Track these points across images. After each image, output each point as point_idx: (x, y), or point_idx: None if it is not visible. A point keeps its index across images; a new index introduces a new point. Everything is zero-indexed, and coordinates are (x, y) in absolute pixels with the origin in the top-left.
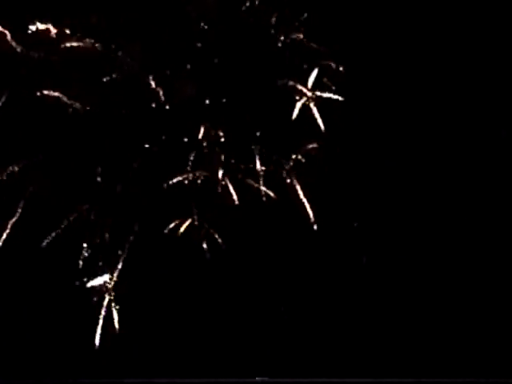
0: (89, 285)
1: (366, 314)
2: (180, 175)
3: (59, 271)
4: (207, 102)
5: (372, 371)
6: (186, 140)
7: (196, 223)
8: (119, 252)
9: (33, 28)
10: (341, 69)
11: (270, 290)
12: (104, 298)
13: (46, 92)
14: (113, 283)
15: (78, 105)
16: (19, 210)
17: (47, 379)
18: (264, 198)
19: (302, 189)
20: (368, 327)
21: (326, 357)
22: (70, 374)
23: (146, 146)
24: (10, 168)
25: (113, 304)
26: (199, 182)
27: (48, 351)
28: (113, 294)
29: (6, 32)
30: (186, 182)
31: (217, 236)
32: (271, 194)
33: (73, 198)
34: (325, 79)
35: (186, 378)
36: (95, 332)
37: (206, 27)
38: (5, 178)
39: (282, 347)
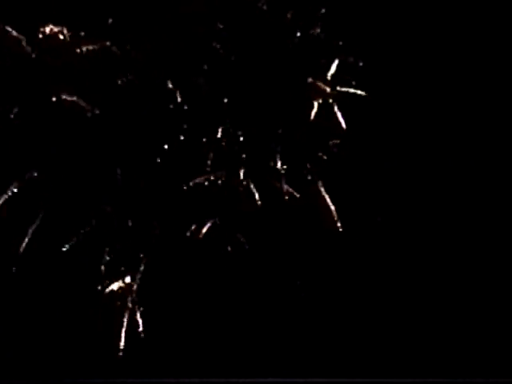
0: (110, 288)
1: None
2: (200, 176)
3: (80, 275)
4: (225, 100)
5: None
6: (204, 140)
7: (218, 225)
8: (140, 255)
9: (46, 30)
10: (360, 64)
11: (294, 291)
12: (126, 302)
13: (63, 96)
14: (136, 286)
15: (94, 108)
16: (40, 215)
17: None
18: (286, 197)
19: (324, 187)
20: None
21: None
22: (90, 376)
23: (165, 147)
24: (30, 173)
25: (136, 307)
26: (220, 182)
27: (69, 354)
28: (135, 296)
29: (22, 37)
30: (207, 183)
31: (240, 237)
32: (294, 192)
33: (93, 201)
34: (345, 75)
35: (204, 378)
36: (117, 336)
37: (221, 26)
38: (24, 181)
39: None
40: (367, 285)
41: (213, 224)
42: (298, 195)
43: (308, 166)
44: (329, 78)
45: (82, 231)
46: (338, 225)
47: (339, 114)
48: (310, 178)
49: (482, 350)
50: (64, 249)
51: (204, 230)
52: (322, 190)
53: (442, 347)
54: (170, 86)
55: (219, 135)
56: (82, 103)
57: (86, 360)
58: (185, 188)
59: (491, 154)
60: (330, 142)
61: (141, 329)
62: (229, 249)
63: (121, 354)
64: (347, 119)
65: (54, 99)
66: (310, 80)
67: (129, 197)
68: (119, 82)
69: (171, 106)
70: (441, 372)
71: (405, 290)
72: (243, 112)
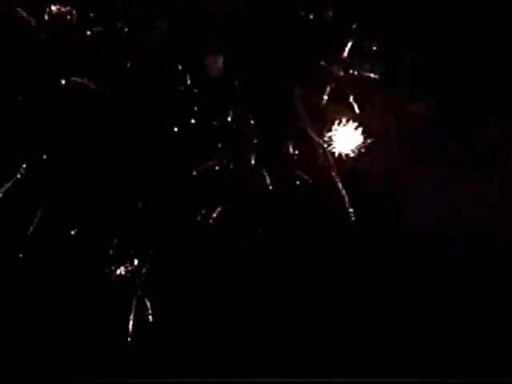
0: (118, 272)
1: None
2: (210, 161)
3: (88, 259)
4: (236, 83)
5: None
6: (215, 124)
7: (228, 210)
8: (148, 239)
9: (53, 10)
10: (374, 48)
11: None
12: (135, 286)
13: (73, 79)
14: (145, 270)
15: (104, 91)
16: (48, 198)
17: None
18: (298, 182)
19: (337, 172)
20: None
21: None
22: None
23: (175, 130)
24: (37, 156)
25: (145, 292)
26: (231, 167)
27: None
28: (144, 280)
29: (32, 19)
30: (217, 167)
31: (250, 223)
32: (306, 177)
33: (101, 185)
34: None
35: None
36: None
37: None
38: (31, 165)
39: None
40: (374, 276)
41: (223, 209)
42: (310, 181)
43: (320, 150)
44: (342, 61)
45: (89, 213)
46: (350, 211)
47: (351, 96)
48: (322, 162)
49: (482, 350)
50: (72, 232)
51: (214, 215)
52: (335, 175)
53: (443, 347)
54: (180, 68)
55: (230, 119)
56: (92, 85)
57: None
58: (195, 173)
59: None
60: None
61: (150, 315)
62: (239, 235)
63: (129, 339)
64: (359, 101)
65: (63, 82)
66: (322, 63)
67: (138, 180)
68: (128, 64)
69: (181, 89)
70: (441, 372)
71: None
72: (254, 95)
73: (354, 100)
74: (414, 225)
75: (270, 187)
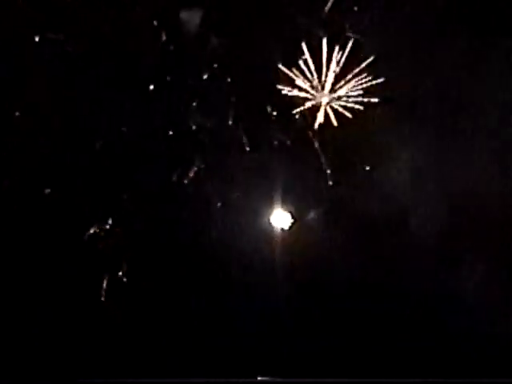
0: (91, 231)
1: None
2: (186, 121)
3: (61, 220)
4: (214, 40)
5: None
6: (190, 83)
7: (203, 170)
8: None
9: None
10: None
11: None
12: (108, 247)
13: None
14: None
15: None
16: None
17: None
18: (276, 142)
19: (317, 133)
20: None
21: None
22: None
23: (151, 88)
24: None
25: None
26: (208, 126)
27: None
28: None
29: None
30: (194, 127)
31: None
32: (286, 139)
33: (74, 142)
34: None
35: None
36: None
37: None
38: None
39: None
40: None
41: (199, 169)
42: (289, 141)
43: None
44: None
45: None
46: (328, 172)
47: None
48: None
49: (481, 350)
50: (46, 191)
51: (191, 174)
52: (312, 136)
53: (442, 347)
54: (155, 23)
55: (206, 77)
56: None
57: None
58: (171, 133)
59: None
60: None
61: (124, 278)
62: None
63: (103, 299)
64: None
65: (37, 39)
66: (301, 21)
67: (112, 138)
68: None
69: (156, 46)
70: (441, 372)
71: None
72: (232, 54)
73: None
74: None
75: (248, 148)
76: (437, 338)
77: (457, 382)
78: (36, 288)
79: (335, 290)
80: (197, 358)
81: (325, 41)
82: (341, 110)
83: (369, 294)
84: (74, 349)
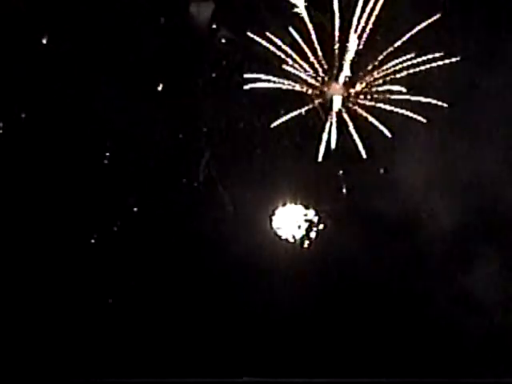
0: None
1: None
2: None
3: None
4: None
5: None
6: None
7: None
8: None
9: None
10: None
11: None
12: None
13: None
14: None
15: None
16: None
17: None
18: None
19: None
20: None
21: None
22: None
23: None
24: None
25: None
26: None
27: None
28: None
29: None
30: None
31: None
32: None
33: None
34: None
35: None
36: None
37: None
38: None
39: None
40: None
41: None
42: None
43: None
44: None
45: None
46: None
47: None
48: None
49: (482, 350)
50: None
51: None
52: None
53: (443, 347)
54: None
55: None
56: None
57: None
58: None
59: None
60: None
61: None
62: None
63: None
64: None
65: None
66: None
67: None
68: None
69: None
70: (441, 372)
71: None
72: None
73: None
74: None
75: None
76: (452, 337)
77: (457, 382)
78: (36, 290)
79: (330, 290)
80: (185, 358)
81: None
82: (363, 112)
83: (373, 295)
84: (73, 349)
